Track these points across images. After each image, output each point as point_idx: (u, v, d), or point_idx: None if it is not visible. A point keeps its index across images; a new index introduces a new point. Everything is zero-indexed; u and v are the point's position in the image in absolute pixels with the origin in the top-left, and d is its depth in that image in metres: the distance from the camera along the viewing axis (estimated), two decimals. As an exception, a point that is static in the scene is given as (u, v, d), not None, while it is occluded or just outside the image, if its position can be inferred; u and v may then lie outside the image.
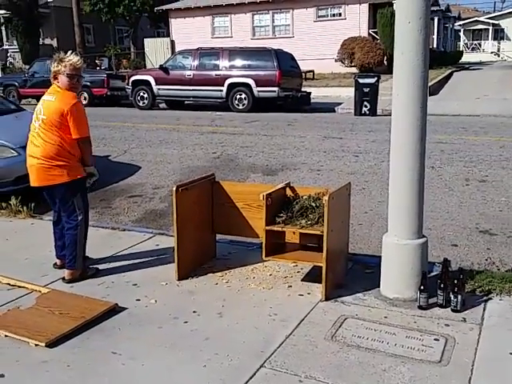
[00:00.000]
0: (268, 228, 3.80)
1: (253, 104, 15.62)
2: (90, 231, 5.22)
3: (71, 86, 3.93)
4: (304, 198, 3.97)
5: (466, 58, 36.75)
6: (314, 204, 3.86)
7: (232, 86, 15.76)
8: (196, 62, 16.32)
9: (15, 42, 33.16)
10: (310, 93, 16.83)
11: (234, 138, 11.06)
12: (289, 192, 4.12)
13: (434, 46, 31.94)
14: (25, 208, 5.69)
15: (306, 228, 3.76)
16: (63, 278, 4.03)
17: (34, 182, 3.98)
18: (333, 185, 7.10)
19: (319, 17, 25.44)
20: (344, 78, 21.83)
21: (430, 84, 18.88)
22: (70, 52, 4.04)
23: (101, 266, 4.29)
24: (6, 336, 3.18)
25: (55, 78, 3.93)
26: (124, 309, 3.56)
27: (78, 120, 3.85)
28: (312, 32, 25.22)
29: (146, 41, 29.63)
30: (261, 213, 3.88)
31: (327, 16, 25.35)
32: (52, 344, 3.08)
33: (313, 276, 4.02)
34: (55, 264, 4.32)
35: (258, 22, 26.66)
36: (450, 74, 24.31)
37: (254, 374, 2.81)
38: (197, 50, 16.67)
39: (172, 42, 28.36)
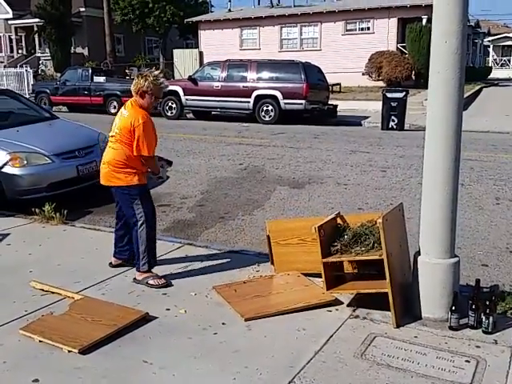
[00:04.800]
0: (325, 260, 3.76)
1: (279, 116, 15.69)
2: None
3: (151, 107, 4.07)
4: (357, 225, 3.91)
5: (495, 74, 36.39)
6: (366, 231, 3.79)
7: (259, 97, 15.85)
8: (224, 74, 16.48)
9: (47, 50, 33.96)
10: (336, 106, 16.83)
11: (260, 149, 11.11)
12: (339, 221, 4.08)
13: (463, 61, 31.67)
14: (57, 214, 5.80)
15: (362, 254, 3.68)
16: (134, 279, 4.22)
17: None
18: (360, 199, 7.11)
19: (347, 30, 25.50)
20: (371, 92, 21.78)
21: (458, 100, 18.71)
22: (157, 71, 4.13)
23: (131, 275, 4.35)
24: (40, 341, 3.25)
25: (139, 94, 3.99)
26: (154, 318, 3.60)
27: (143, 138, 3.95)
28: (340, 45, 25.30)
29: (175, 51, 30.06)
30: (316, 246, 3.83)
31: (355, 30, 25.40)
32: (85, 351, 3.14)
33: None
34: (110, 263, 4.55)
35: (286, 34, 26.84)
36: (479, 90, 24.07)
37: (284, 389, 2.83)
38: (225, 62, 16.85)
39: (200, 54, 28.72)
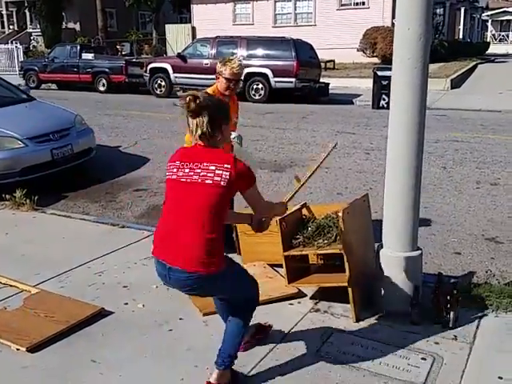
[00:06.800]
0: (286, 254, 3.66)
1: (269, 95, 15.46)
2: (90, 227, 5.30)
3: (228, 89, 4.23)
4: (321, 217, 3.81)
5: (493, 49, 35.92)
6: (330, 222, 3.68)
7: (249, 75, 15.56)
8: (214, 51, 16.19)
9: (38, 26, 33.38)
10: (328, 84, 16.58)
11: (246, 130, 10.86)
12: (305, 212, 3.98)
13: (460, 36, 31.22)
14: (28, 201, 5.71)
15: (323, 248, 3.58)
16: None
17: None
18: (340, 184, 7.01)
19: (342, 5, 25.02)
20: (365, 69, 21.45)
21: (452, 77, 18.47)
22: (235, 57, 4.37)
23: (94, 266, 4.28)
24: (-11, 339, 3.19)
25: (217, 78, 4.27)
26: (111, 313, 3.53)
27: None
28: (334, 20, 24.82)
29: (168, 26, 29.53)
30: None
31: (350, 4, 24.92)
32: (33, 349, 3.07)
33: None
34: None
35: (280, 9, 26.32)
36: (475, 67, 23.75)
37: (231, 390, 2.76)
38: (215, 39, 16.53)
39: (193, 29, 28.22)
